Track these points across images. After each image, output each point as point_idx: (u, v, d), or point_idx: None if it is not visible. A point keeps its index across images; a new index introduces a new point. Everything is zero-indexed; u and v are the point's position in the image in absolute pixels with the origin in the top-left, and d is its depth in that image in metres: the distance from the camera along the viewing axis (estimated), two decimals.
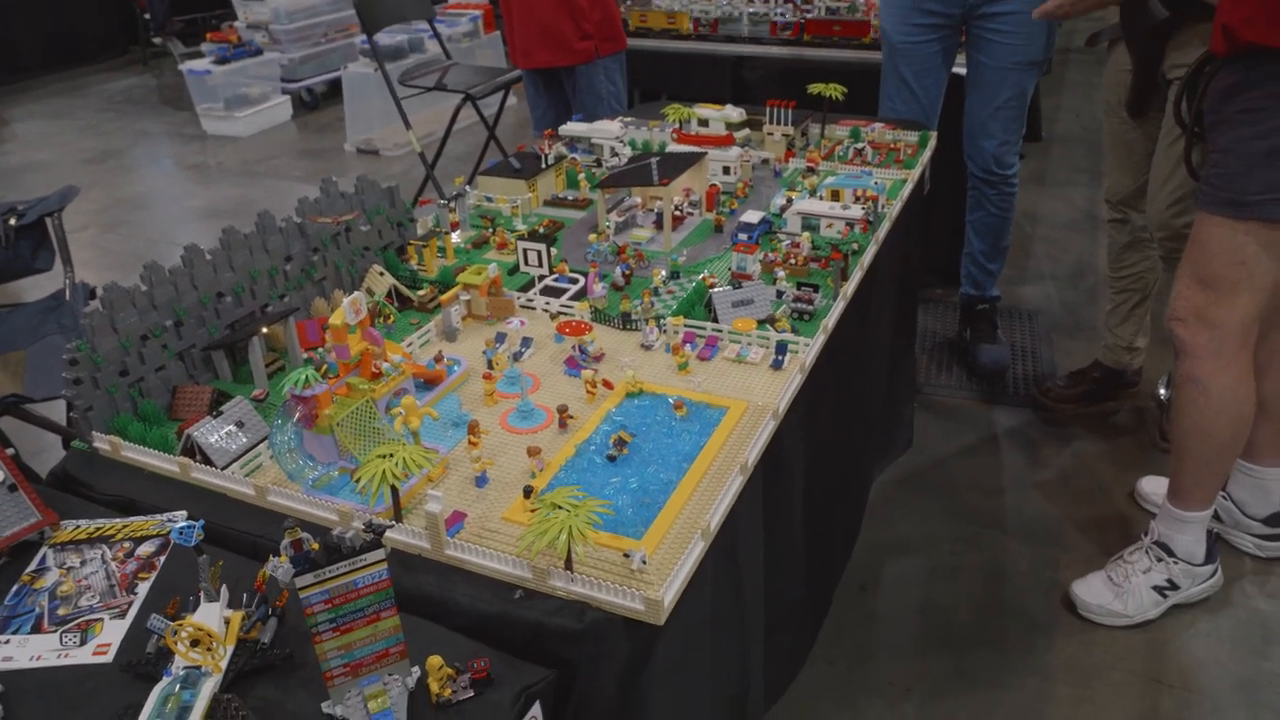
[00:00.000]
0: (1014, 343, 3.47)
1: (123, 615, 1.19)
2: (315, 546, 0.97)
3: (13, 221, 2.77)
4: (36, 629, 1.18)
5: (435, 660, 1.03)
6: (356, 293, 1.43)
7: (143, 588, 1.24)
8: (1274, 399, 2.27)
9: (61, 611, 1.21)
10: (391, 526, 1.22)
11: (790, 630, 1.89)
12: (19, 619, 1.20)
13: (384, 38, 6.04)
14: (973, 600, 2.39)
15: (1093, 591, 2.32)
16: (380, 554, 0.99)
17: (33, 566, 1.28)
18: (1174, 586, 2.28)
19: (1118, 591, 2.29)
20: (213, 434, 1.44)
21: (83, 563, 1.28)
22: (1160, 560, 2.28)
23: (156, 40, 8.23)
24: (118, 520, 1.36)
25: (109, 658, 1.13)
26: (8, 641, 1.16)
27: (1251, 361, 2.10)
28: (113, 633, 1.17)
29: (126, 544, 1.31)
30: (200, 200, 5.36)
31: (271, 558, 1.03)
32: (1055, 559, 2.50)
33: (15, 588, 1.25)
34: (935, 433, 3.02)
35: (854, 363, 2.05)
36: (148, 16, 7.98)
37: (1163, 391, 3.01)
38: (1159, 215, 2.56)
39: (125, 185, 5.60)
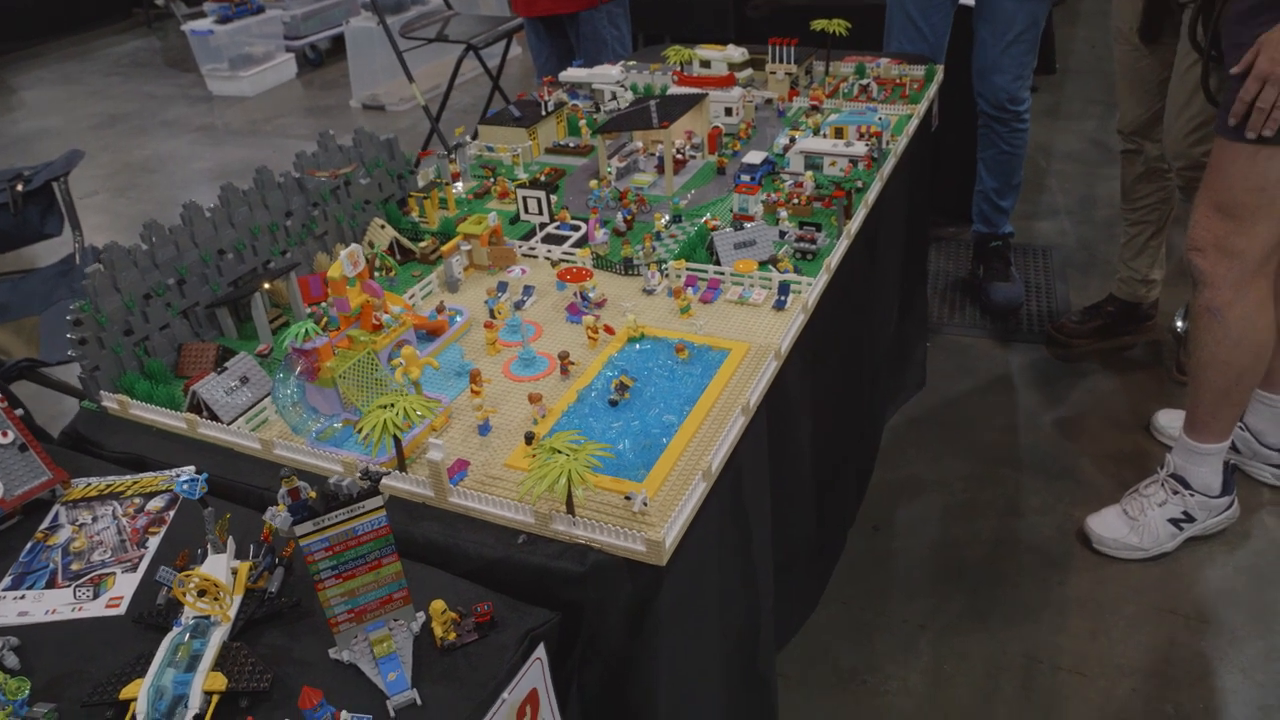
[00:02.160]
0: (1028, 279, 3.43)
1: (134, 569, 1.21)
2: (312, 495, 0.97)
3: (20, 187, 2.78)
4: (51, 584, 1.20)
5: (438, 604, 1.05)
6: (354, 245, 1.43)
7: (153, 542, 1.26)
8: None
9: (75, 567, 1.23)
10: (388, 474, 1.23)
11: (802, 570, 1.90)
12: (34, 575, 1.22)
13: None
14: (986, 537, 2.40)
15: (1108, 525, 2.31)
16: (378, 501, 0.99)
17: (45, 524, 1.30)
18: (1190, 519, 2.27)
19: (1133, 525, 2.28)
20: (218, 390, 1.45)
21: (94, 519, 1.30)
22: (1176, 493, 2.27)
23: (159, 1, 8.17)
24: (128, 477, 1.37)
25: (121, 610, 1.15)
26: (23, 597, 1.18)
27: (1271, 290, 2.06)
28: (124, 586, 1.19)
29: (136, 500, 1.33)
30: (209, 162, 5.35)
31: (270, 507, 1.04)
32: (1070, 494, 2.50)
33: (29, 545, 1.27)
34: (948, 372, 3.00)
35: (862, 302, 2.03)
36: None
37: (1179, 324, 2.97)
38: (1177, 144, 2.50)
39: (134, 149, 5.60)
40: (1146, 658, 2.05)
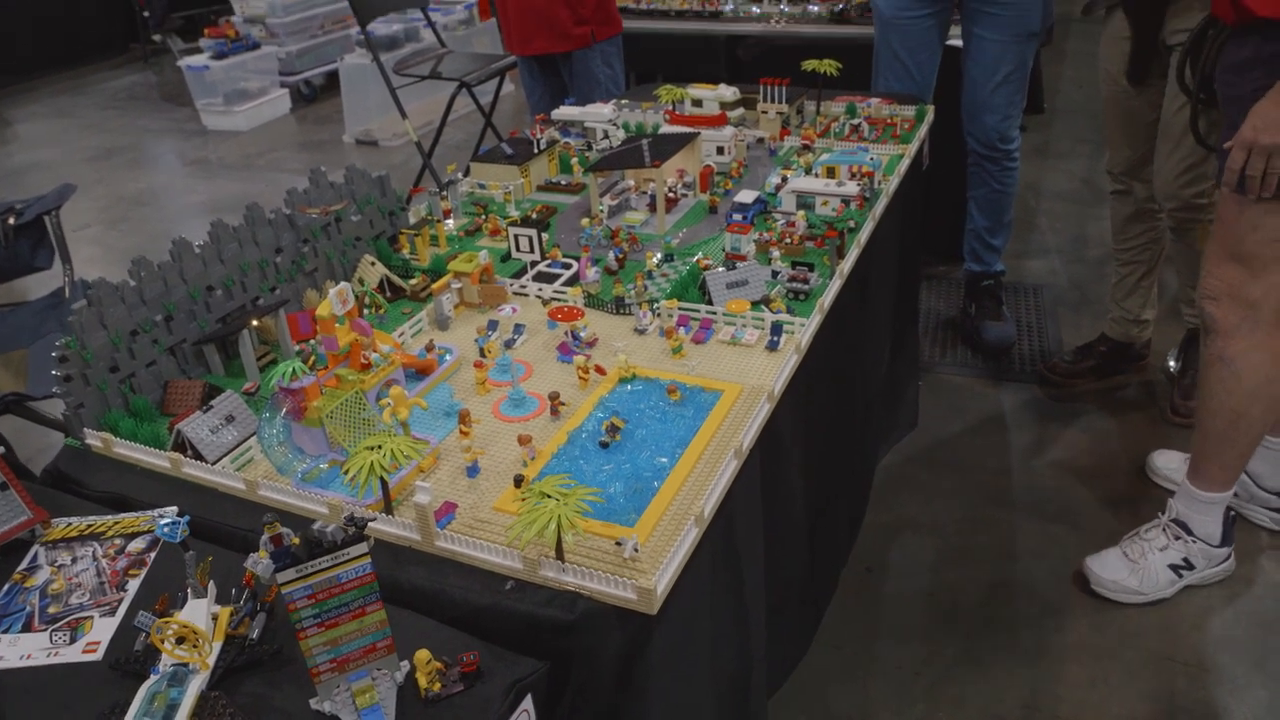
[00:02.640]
0: (1019, 318, 3.43)
1: (113, 613, 1.18)
2: (296, 541, 0.95)
3: (11, 221, 2.76)
4: (27, 628, 1.17)
5: (423, 654, 1.02)
6: (343, 283, 1.41)
7: (133, 585, 1.23)
8: None
9: (52, 610, 1.20)
10: (374, 519, 1.20)
11: (793, 613, 1.87)
12: (10, 618, 1.19)
13: (380, 27, 6.02)
14: (981, 581, 2.37)
15: (1107, 567, 2.28)
16: (363, 548, 0.97)
17: (24, 565, 1.27)
18: (1190, 566, 2.24)
19: (1133, 568, 2.25)
20: (203, 428, 1.42)
21: (74, 560, 1.27)
22: (1178, 538, 2.23)
23: (156, 37, 8.23)
24: (109, 517, 1.35)
25: (98, 656, 1.12)
26: None
27: None
28: (102, 630, 1.16)
29: (117, 541, 1.30)
30: (202, 196, 5.35)
31: (252, 554, 1.02)
32: (1065, 538, 2.47)
33: (6, 586, 1.24)
34: (941, 412, 2.99)
35: (854, 342, 2.02)
36: (147, 14, 7.98)
37: (1172, 364, 2.97)
38: (1167, 185, 2.51)
39: (128, 182, 5.60)
40: (1146, 707, 2.02)
